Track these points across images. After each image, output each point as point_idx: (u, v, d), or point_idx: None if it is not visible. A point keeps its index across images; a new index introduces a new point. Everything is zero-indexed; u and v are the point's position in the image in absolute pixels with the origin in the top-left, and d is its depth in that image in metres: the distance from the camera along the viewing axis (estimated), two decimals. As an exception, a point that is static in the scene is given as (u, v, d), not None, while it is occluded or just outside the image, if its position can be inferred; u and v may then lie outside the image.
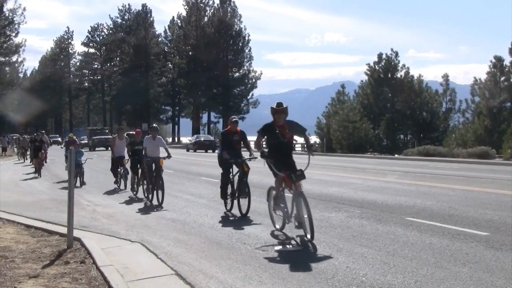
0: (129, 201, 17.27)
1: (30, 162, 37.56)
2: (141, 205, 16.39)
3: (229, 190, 13.98)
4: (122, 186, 20.91)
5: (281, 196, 10.63)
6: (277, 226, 11.06)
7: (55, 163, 34.07)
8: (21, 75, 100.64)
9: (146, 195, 17.15)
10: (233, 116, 14.54)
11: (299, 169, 10.26)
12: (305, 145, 10.70)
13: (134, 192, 18.72)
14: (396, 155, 50.29)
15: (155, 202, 16.01)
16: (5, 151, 56.06)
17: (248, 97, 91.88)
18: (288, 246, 9.71)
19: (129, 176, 20.41)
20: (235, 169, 13.86)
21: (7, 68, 73.99)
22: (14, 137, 69.16)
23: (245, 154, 14.30)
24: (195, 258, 9.04)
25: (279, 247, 9.59)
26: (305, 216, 9.80)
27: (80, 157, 23.29)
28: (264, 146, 11.07)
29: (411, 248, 9.23)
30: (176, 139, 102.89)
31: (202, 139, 62.50)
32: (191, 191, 18.83)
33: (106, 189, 20.80)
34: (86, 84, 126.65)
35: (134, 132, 20.90)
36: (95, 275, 7.95)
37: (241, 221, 12.67)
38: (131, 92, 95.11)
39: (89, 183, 22.71)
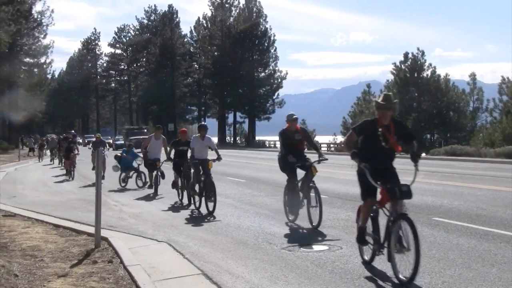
0: (156, 201, 17.29)
1: (59, 163, 37.19)
2: (170, 206, 16.38)
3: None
4: (158, 192, 19.02)
5: (376, 216, 8.15)
6: (366, 258, 8.38)
7: (83, 163, 34.15)
8: (49, 76, 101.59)
9: (191, 201, 15.53)
10: (292, 113, 12.36)
11: (404, 184, 7.69)
12: (410, 155, 8.13)
13: (180, 198, 16.84)
14: (423, 155, 49.99)
15: (203, 210, 14.43)
16: (32, 151, 56.05)
17: (274, 97, 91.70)
18: (313, 246, 9.71)
19: (162, 180, 19.48)
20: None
21: (35, 70, 74.88)
22: (48, 138, 69.12)
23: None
24: (221, 258, 9.07)
25: (305, 247, 9.58)
26: (411, 249, 7.17)
27: (135, 158, 22.50)
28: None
29: (438, 248, 9.17)
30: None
31: None
32: (217, 191, 18.79)
33: (133, 190, 20.81)
34: (113, 84, 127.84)
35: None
36: (123, 274, 8.01)
37: (268, 221, 12.66)
38: (157, 93, 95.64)
39: (115, 183, 22.60)
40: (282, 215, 12.87)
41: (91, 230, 10.91)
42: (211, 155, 15.34)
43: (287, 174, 12.06)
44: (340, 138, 67.62)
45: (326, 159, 12.26)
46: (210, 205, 14.10)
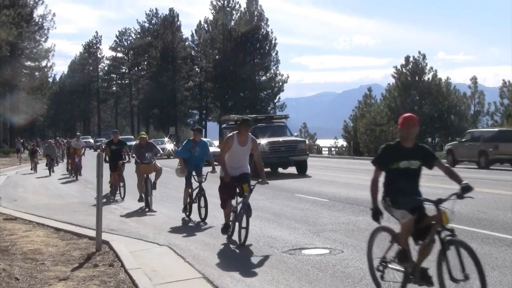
0: (157, 205, 16.71)
1: (69, 172, 31.51)
2: (169, 209, 16.32)
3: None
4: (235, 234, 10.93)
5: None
6: None
7: (84, 166, 33.64)
8: (50, 79, 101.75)
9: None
10: None
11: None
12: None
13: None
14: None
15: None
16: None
17: (275, 101, 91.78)
18: (316, 249, 9.70)
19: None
20: None
21: (36, 73, 75.02)
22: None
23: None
24: (222, 261, 9.07)
25: (306, 251, 9.58)
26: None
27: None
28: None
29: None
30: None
31: None
32: (218, 195, 18.71)
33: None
34: (114, 88, 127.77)
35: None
36: (124, 278, 8.01)
37: (269, 225, 12.66)
38: (159, 96, 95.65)
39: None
40: (283, 218, 12.86)
41: (92, 233, 10.91)
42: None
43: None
44: (341, 142, 67.74)
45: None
46: None
